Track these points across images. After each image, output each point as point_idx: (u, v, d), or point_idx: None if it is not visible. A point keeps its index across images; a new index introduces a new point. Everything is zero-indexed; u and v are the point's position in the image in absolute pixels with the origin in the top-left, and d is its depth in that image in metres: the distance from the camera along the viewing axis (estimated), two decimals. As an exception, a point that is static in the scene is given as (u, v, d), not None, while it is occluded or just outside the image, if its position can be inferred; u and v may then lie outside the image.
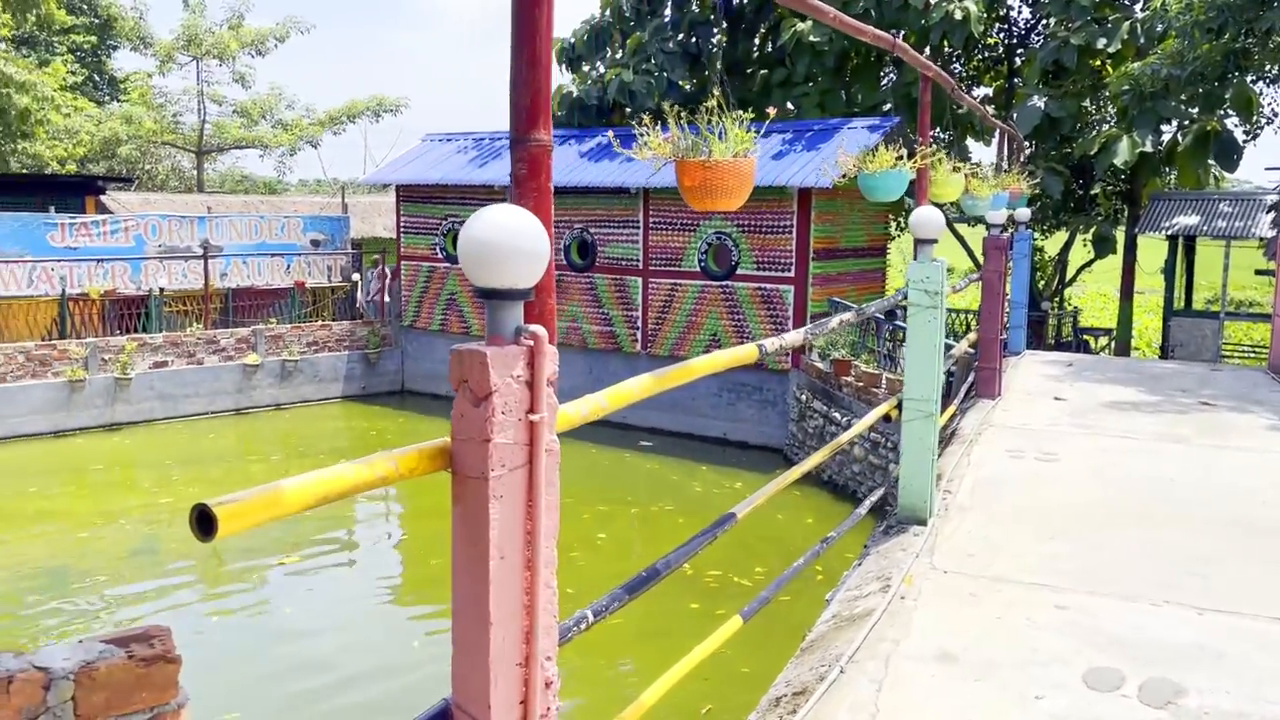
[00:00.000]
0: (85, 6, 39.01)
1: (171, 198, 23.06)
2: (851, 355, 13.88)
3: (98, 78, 40.24)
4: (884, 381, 12.59)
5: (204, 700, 7.63)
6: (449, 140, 20.22)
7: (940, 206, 6.48)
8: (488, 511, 1.81)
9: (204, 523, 1.47)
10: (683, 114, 2.69)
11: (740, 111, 2.70)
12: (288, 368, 18.38)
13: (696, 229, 16.13)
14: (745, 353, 3.03)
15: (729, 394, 16.15)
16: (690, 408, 16.47)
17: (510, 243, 1.81)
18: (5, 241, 16.42)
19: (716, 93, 2.69)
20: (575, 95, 19.45)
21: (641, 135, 2.62)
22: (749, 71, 20.55)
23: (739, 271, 15.81)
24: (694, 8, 20.28)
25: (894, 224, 20.45)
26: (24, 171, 23.63)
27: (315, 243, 20.31)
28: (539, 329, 1.85)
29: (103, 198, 20.46)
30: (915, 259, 4.63)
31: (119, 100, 37.43)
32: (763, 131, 2.69)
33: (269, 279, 19.62)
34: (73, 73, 38.57)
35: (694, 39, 19.78)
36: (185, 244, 18.50)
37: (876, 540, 4.95)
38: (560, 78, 21.12)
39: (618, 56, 20.09)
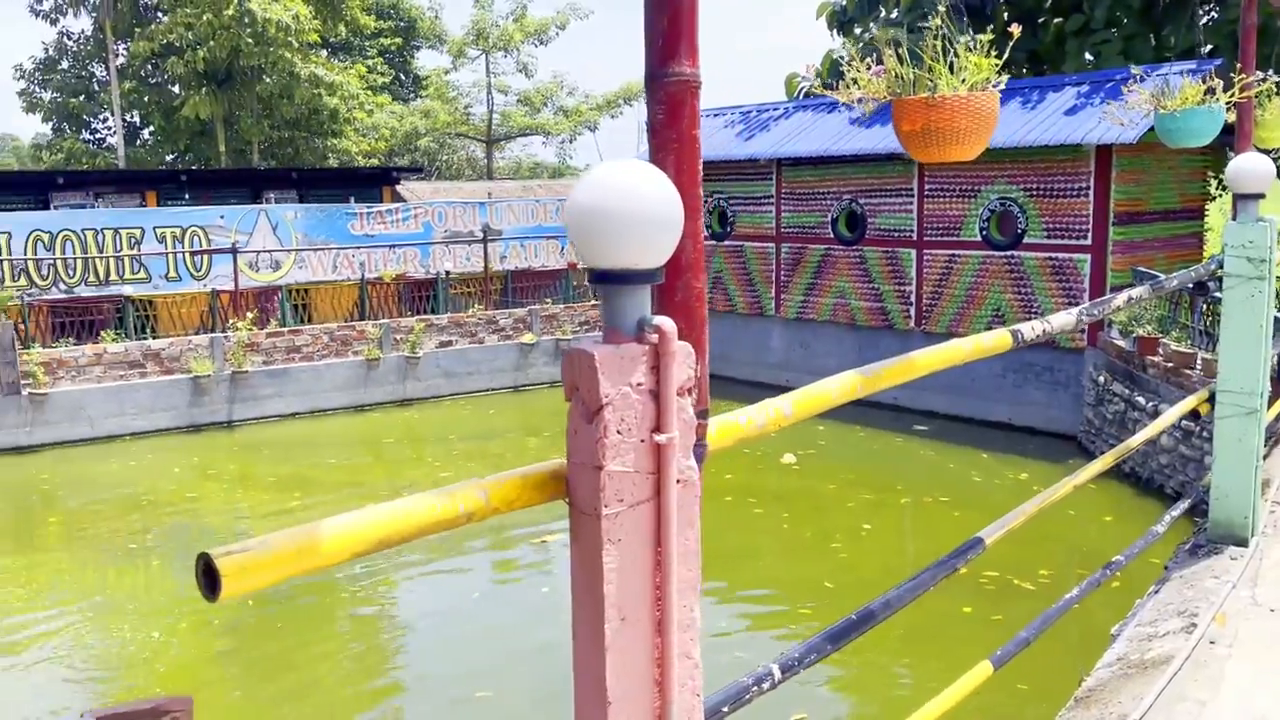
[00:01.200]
0: (393, 11, 42.37)
1: (460, 185, 24.44)
2: (1159, 332, 12.26)
3: (403, 77, 43.60)
4: (1199, 362, 10.98)
5: (461, 678, 7.82)
6: (716, 115, 19.93)
7: (1271, 155, 5.33)
8: (601, 558, 1.40)
9: (210, 577, 1.16)
10: (902, 42, 2.13)
11: (980, 36, 2.10)
12: (561, 347, 18.89)
13: (977, 195, 14.88)
14: (993, 341, 2.43)
15: (1014, 374, 14.83)
16: (970, 389, 15.29)
17: (627, 209, 1.38)
18: (313, 231, 17.95)
19: (942, 8, 2.11)
20: (845, 60, 18.53)
21: (850, 71, 2.09)
22: (1040, 21, 18.74)
23: (1026, 240, 14.42)
24: (977, -45, 18.70)
25: (1214, 181, 17.99)
26: (335, 166, 25.93)
27: (587, 224, 20.70)
28: (665, 321, 1.41)
29: (398, 188, 21.97)
30: (1234, 218, 3.72)
31: (421, 96, 40.29)
32: (999, 73, 2.07)
33: (544, 260, 20.27)
34: (381, 74, 42.05)
35: (976, -11, 18.25)
36: (468, 229, 19.46)
37: (1181, 562, 4.09)
38: (831, 42, 20.26)
39: (892, 16, 18.94)
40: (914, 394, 15.92)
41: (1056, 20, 18.47)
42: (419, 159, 38.68)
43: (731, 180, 18.39)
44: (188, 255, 16.79)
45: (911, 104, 1.97)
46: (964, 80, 1.96)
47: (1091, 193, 13.71)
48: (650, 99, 1.58)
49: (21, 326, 15.49)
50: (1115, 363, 13.05)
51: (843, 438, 15.06)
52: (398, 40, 42.42)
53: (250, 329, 16.15)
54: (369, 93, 28.03)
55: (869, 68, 2.04)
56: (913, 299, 15.88)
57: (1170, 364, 11.53)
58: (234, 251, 16.81)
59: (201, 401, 15.84)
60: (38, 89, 25.48)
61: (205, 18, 20.70)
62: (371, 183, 21.21)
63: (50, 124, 26.12)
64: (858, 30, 19.62)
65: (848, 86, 2.08)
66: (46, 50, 25.51)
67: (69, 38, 25.42)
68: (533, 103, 36.64)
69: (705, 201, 17.86)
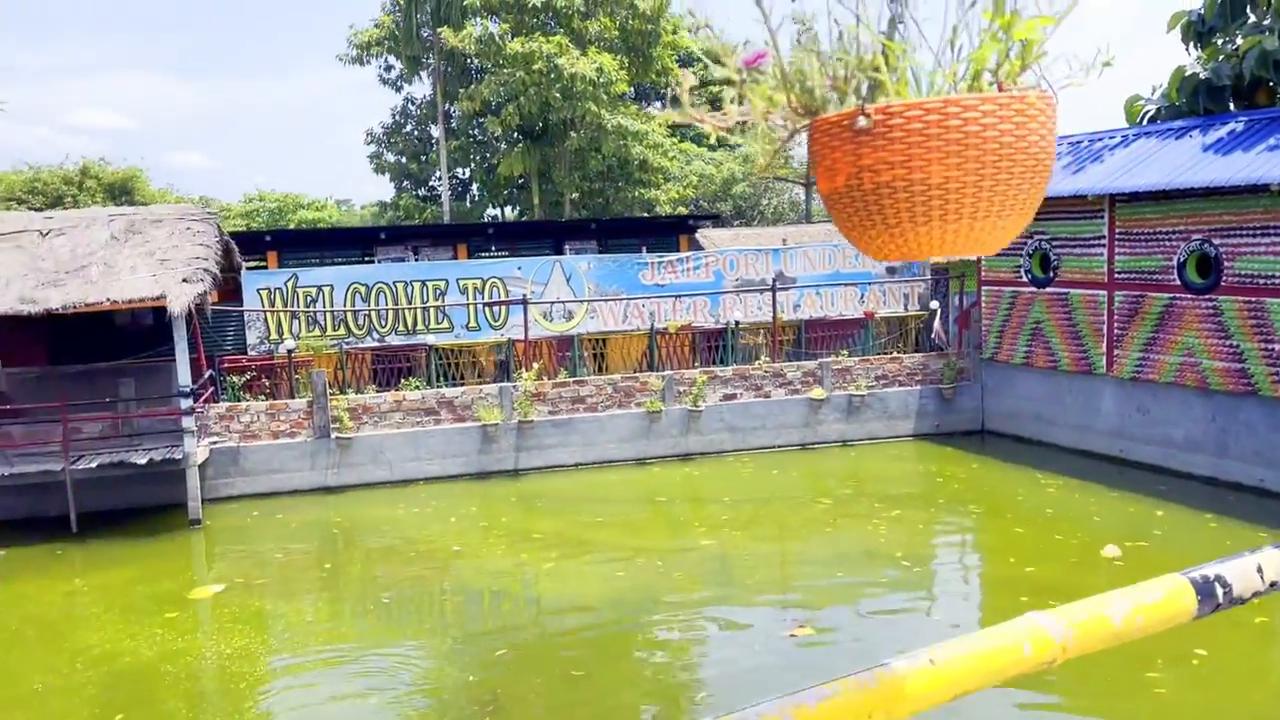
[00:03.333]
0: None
1: (760, 231, 23.72)
2: None
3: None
4: None
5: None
6: (1040, 147, 17.72)
7: None
8: None
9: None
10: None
11: None
12: (854, 403, 17.50)
13: (1374, 233, 11.83)
14: (1153, 610, 1.17)
15: None
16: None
17: None
18: (605, 281, 17.95)
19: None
20: (1200, 76, 15.73)
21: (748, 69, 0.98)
22: None
23: None
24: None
25: None
26: (644, 215, 26.23)
27: (891, 269, 19.22)
28: None
29: (696, 235, 21.64)
30: None
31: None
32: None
33: (842, 309, 18.99)
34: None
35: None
36: (760, 277, 18.65)
37: None
38: (1185, 57, 17.40)
39: (1264, 22, 15.88)
40: (1286, 476, 13.02)
41: None
42: (740, 204, 38.67)
43: (1056, 219, 16.17)
44: (483, 307, 17.33)
45: (827, 132, 0.84)
46: (962, 74, 0.81)
47: None
48: None
49: (339, 373, 16.66)
50: None
51: (1187, 527, 12.51)
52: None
53: (535, 379, 16.31)
54: (674, 140, 28.15)
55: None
56: (1284, 360, 12.94)
57: None
58: (524, 303, 17.12)
59: (490, 449, 16.17)
60: (384, 152, 28.11)
61: (518, 75, 21.65)
62: (669, 231, 21.03)
63: (394, 183, 28.72)
64: (1219, 41, 16.64)
65: (707, 116, 0.97)
66: (393, 116, 28.10)
67: (412, 103, 27.82)
68: (852, 142, 35.23)
69: (1025, 243, 15.55)
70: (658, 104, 40.51)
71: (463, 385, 16.67)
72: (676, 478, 16.13)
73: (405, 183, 28.22)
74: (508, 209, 27.45)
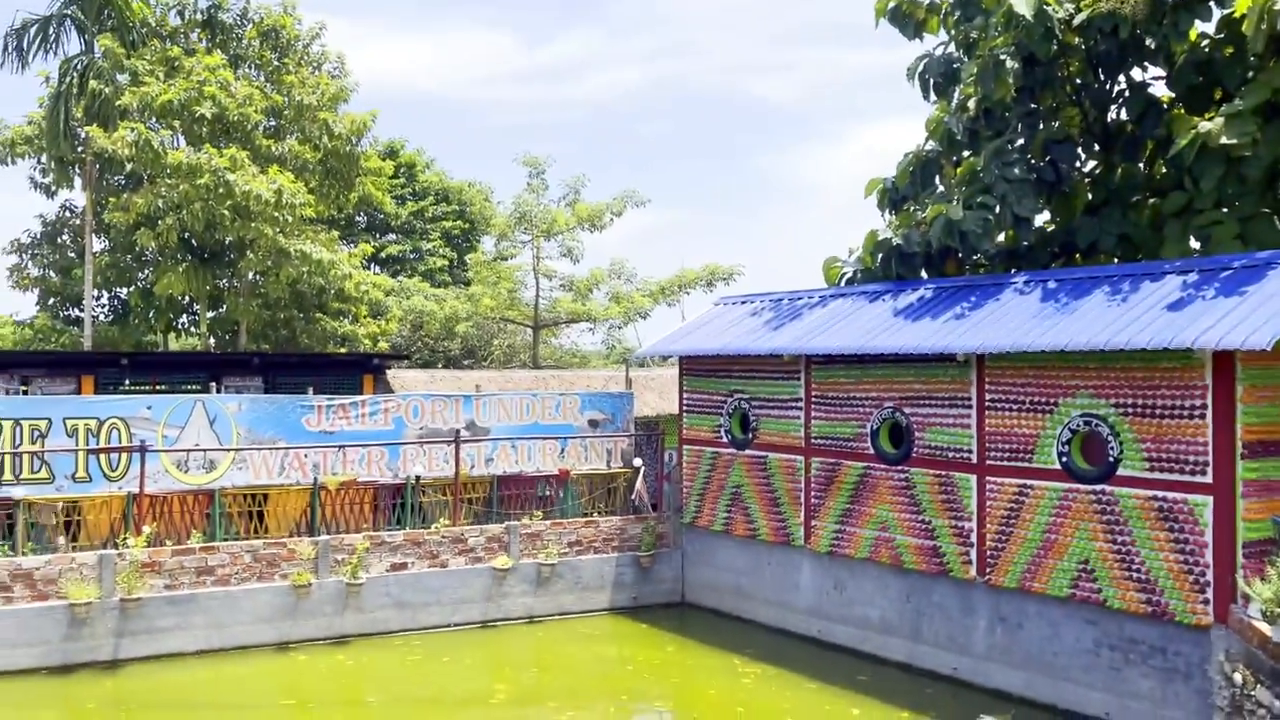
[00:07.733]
0: (455, 195, 42.81)
1: (459, 375, 21.85)
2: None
3: (468, 260, 42.67)
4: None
5: None
6: (744, 302, 17.09)
7: None
8: None
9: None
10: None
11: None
12: (543, 573, 15.56)
13: (1054, 410, 11.43)
14: None
15: (1112, 651, 10.95)
16: (1053, 666, 11.43)
17: None
18: (259, 425, 15.30)
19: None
20: (893, 242, 15.58)
21: None
22: (1133, 201, 15.63)
23: (1121, 472, 10.82)
24: (1053, 123, 15.92)
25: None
26: (342, 351, 23.77)
27: (594, 423, 17.77)
28: None
29: (388, 376, 19.41)
30: None
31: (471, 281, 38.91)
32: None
33: (539, 465, 17.23)
34: (443, 256, 41.57)
35: (1050, 162, 15.34)
36: (450, 426, 16.63)
37: None
38: (880, 222, 17.45)
39: (950, 191, 16.09)
40: (977, 664, 12.15)
41: (1153, 200, 15.34)
42: (469, 344, 36.89)
43: (755, 378, 15.31)
44: (87, 453, 14.16)
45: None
46: None
47: (1210, 412, 10.16)
48: None
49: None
50: (1258, 655, 9.16)
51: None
52: (463, 224, 42.11)
53: (145, 545, 13.29)
54: (366, 272, 26.10)
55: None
56: (973, 539, 12.25)
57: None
58: (142, 450, 14.15)
59: (79, 635, 12.86)
60: (29, 265, 24.20)
61: (181, 188, 19.04)
62: (351, 370, 18.63)
63: (39, 302, 24.70)
64: (910, 208, 16.75)
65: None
66: (44, 224, 24.37)
67: (71, 211, 24.25)
68: (578, 289, 34.60)
69: (725, 402, 14.09)
70: (398, 236, 38.74)
71: (53, 554, 13.34)
72: (322, 669, 13.41)
73: (52, 301, 24.31)
74: (172, 337, 24.13)
